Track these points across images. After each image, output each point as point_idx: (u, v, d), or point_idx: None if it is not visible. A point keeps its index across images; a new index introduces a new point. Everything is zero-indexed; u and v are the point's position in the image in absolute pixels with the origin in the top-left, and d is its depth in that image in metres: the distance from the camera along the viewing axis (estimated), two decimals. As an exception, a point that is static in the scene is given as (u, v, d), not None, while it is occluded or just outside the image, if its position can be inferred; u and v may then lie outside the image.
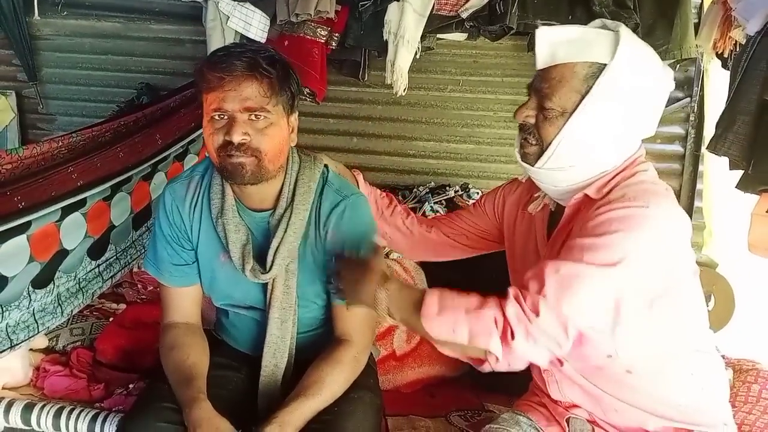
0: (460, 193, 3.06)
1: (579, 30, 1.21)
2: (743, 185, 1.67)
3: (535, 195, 1.41)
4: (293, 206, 1.44)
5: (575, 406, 1.37)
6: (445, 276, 2.18)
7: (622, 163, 1.24)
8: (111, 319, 2.12)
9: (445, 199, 3.07)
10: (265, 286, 1.49)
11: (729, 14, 1.93)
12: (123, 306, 2.30)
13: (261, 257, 1.46)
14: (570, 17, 2.64)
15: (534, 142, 1.24)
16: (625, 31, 1.18)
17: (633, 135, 1.24)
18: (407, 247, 1.69)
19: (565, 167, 1.22)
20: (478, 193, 3.06)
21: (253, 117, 1.33)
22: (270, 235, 1.46)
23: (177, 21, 3.30)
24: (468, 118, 3.22)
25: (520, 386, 1.85)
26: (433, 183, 3.19)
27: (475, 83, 3.18)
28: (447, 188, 3.09)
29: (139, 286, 2.44)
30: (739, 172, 1.67)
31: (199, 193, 1.52)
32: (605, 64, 1.16)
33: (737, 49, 2.00)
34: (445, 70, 3.18)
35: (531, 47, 2.87)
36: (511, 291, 1.17)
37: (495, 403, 1.88)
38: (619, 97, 1.17)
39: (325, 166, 1.53)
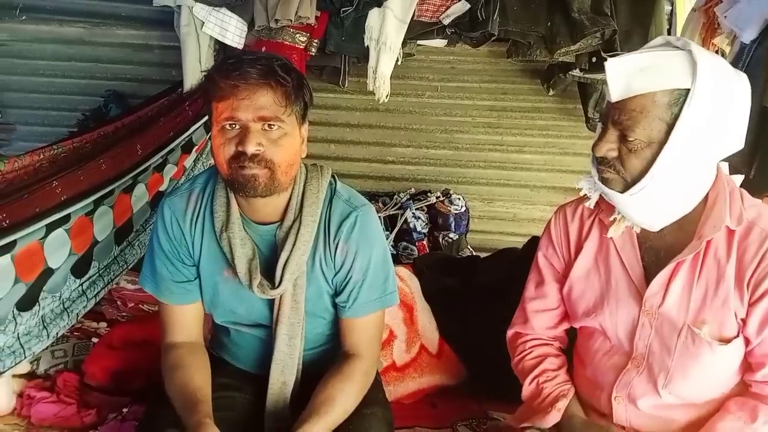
0: (441, 198, 3.07)
1: (650, 56, 1.16)
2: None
3: (612, 218, 1.32)
4: (301, 218, 1.39)
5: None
6: (440, 283, 2.17)
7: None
8: (95, 340, 2.01)
9: (426, 206, 3.07)
10: (271, 302, 1.44)
11: (712, 22, 1.98)
12: (104, 324, 2.19)
13: (268, 272, 1.40)
14: (549, 24, 2.67)
15: (615, 173, 1.20)
16: (696, 50, 1.14)
17: (727, 151, 1.20)
18: None
19: (663, 199, 1.20)
20: (459, 198, 3.07)
21: (266, 127, 1.27)
22: (276, 249, 1.40)
23: (144, 26, 3.21)
24: (446, 123, 3.24)
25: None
26: (413, 189, 3.18)
27: (452, 89, 3.19)
28: (428, 194, 3.09)
29: (119, 302, 2.33)
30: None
31: (200, 206, 1.45)
32: (688, 89, 1.12)
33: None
34: (423, 76, 3.18)
35: (510, 54, 2.91)
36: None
37: (498, 411, 1.87)
38: (711, 120, 1.13)
39: (333, 176, 1.49)
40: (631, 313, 1.31)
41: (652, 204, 1.21)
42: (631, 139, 1.16)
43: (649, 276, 1.29)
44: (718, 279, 1.21)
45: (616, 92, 1.17)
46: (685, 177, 1.18)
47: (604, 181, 1.24)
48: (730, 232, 1.21)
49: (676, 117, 1.12)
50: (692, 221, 1.24)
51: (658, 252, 1.29)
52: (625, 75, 1.16)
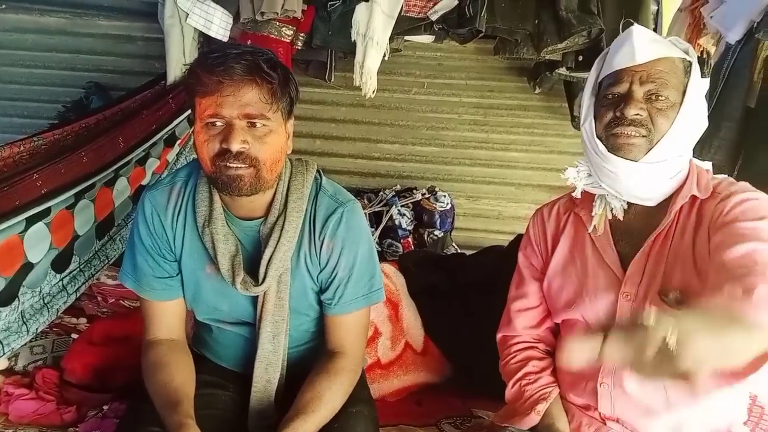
0: (427, 196, 3.06)
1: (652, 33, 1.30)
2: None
3: (593, 213, 1.36)
4: (286, 214, 1.37)
5: (617, 421, 1.34)
6: (426, 280, 2.17)
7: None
8: (74, 336, 1.98)
9: (412, 203, 3.06)
10: (255, 299, 1.42)
11: (698, 22, 1.99)
12: (83, 320, 2.15)
13: (252, 268, 1.38)
14: (537, 21, 2.67)
15: (643, 134, 1.24)
16: (671, 38, 1.31)
17: (703, 126, 1.31)
18: None
19: (669, 159, 1.25)
20: (444, 196, 3.06)
21: (251, 124, 1.25)
22: (260, 245, 1.38)
23: (128, 17, 3.16)
24: (433, 120, 3.23)
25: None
26: (399, 186, 3.17)
27: (439, 86, 3.19)
28: (414, 191, 3.08)
29: (99, 298, 2.30)
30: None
31: (182, 201, 1.42)
32: (690, 61, 1.27)
33: (704, 56, 2.06)
34: (410, 72, 3.18)
35: (497, 51, 2.91)
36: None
37: (482, 408, 1.87)
38: (703, 89, 1.27)
39: (318, 171, 1.47)
40: (609, 298, 1.33)
41: (660, 172, 1.26)
42: (663, 97, 1.23)
43: (623, 260, 1.32)
44: (686, 246, 1.24)
45: (644, 54, 1.23)
46: (688, 143, 1.28)
47: (622, 147, 1.25)
48: (695, 201, 1.27)
49: (686, 84, 1.25)
50: (663, 201, 1.30)
51: (630, 235, 1.33)
52: (651, 40, 1.25)
